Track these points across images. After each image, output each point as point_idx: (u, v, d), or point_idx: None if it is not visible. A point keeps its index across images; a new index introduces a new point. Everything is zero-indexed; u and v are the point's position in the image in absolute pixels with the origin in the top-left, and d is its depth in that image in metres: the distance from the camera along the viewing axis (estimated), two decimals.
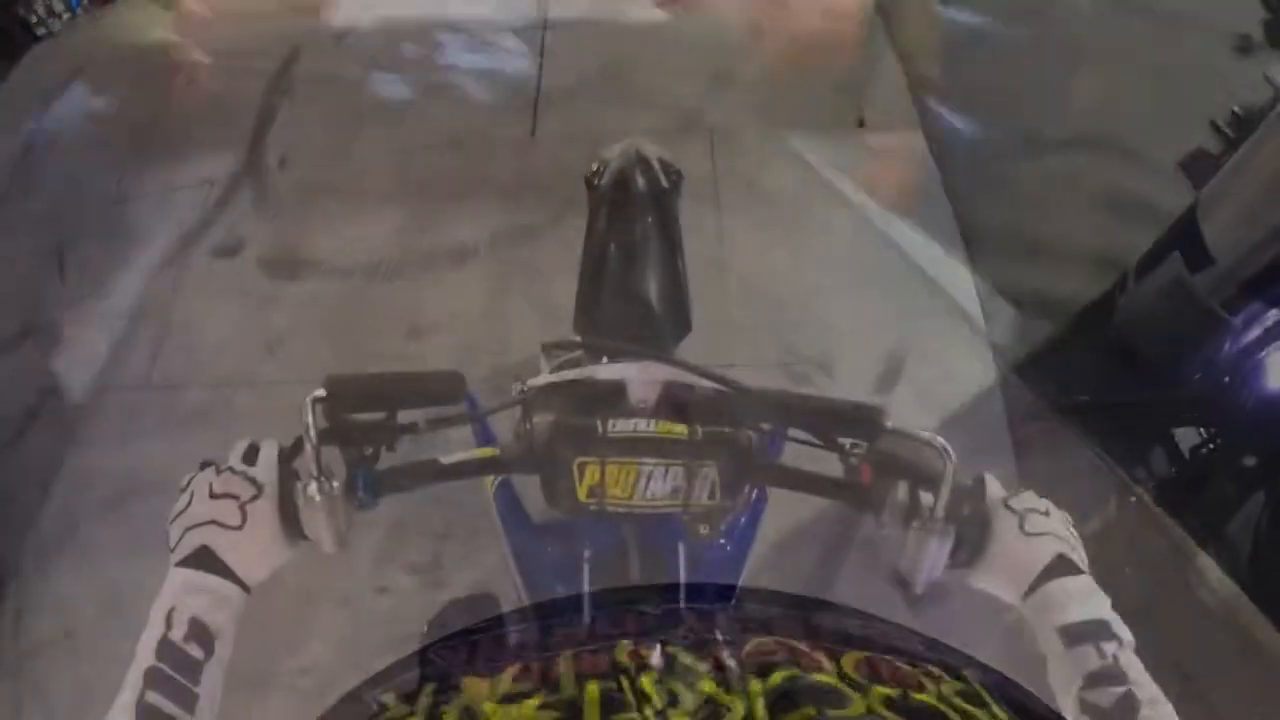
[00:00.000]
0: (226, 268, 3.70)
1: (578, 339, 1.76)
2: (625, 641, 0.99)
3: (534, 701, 0.89)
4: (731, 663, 0.96)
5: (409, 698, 0.90)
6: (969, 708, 0.97)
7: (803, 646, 1.01)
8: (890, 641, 1.14)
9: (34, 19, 4.81)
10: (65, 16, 5.01)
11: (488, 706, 0.88)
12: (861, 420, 1.07)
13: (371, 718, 0.86)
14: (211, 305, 3.57)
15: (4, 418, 3.19)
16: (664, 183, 1.71)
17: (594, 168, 1.77)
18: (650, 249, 1.69)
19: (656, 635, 1.03)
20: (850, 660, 1.02)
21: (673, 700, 0.88)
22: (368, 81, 4.60)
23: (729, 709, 0.85)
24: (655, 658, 0.96)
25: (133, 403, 3.24)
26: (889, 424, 1.05)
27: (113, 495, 2.90)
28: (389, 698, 0.92)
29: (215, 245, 3.79)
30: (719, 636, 1.02)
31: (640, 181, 1.69)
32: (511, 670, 0.97)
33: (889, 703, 0.93)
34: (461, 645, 1.06)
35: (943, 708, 0.98)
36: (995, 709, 1.00)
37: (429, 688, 0.93)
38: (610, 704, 0.88)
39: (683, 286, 1.74)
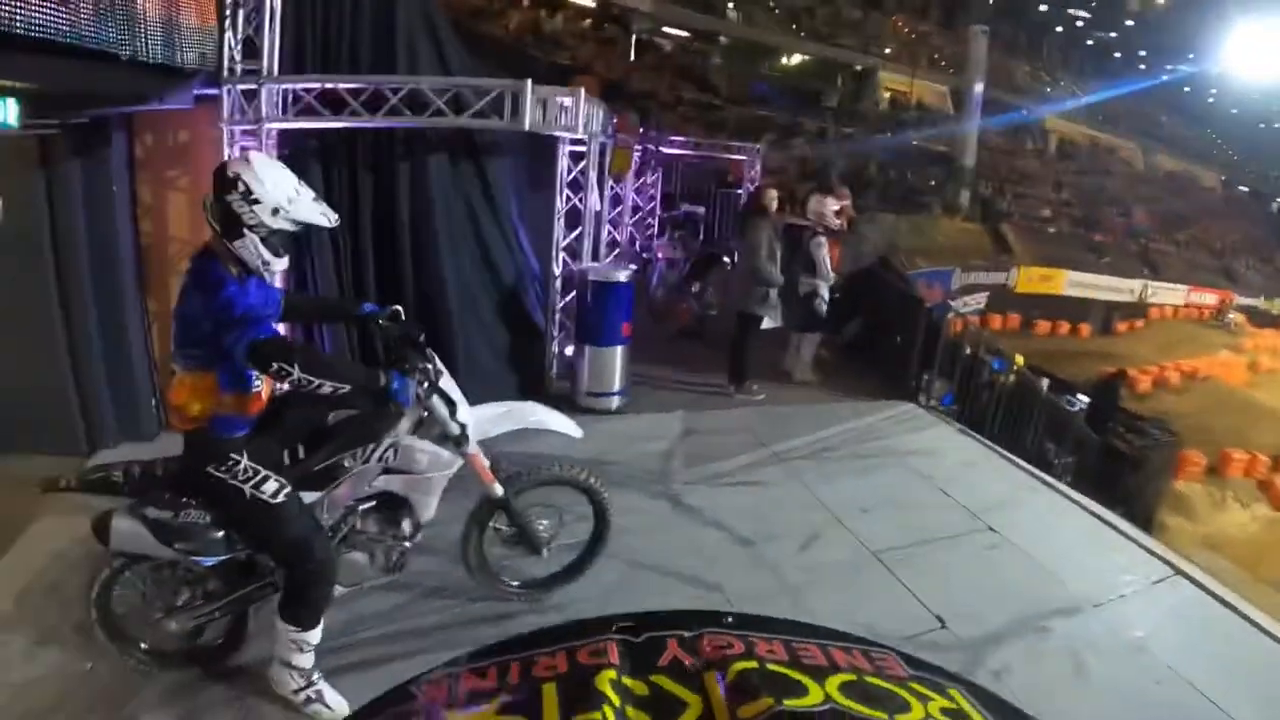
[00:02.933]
0: None
1: None
2: (584, 644, 1.11)
3: (493, 705, 1.02)
4: (688, 658, 1.09)
5: None
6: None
7: (758, 638, 1.15)
8: (875, 663, 1.22)
9: None
10: None
11: (449, 716, 1.00)
12: None
13: None
14: None
15: None
16: None
17: None
18: None
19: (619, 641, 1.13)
20: (806, 649, 1.17)
21: (629, 697, 1.02)
22: None
23: (686, 704, 0.99)
24: (613, 657, 1.09)
25: None
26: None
27: None
28: None
29: None
30: (676, 634, 1.15)
31: None
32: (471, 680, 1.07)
33: (846, 688, 1.08)
34: (445, 678, 1.15)
35: (900, 691, 1.11)
36: None
37: None
38: (569, 702, 1.01)
39: None
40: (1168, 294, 29.67)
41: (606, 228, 9.70)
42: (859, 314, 9.86)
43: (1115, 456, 11.43)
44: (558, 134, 6.76)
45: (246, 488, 3.11)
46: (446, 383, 3.52)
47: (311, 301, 3.89)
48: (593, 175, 7.26)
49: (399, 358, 3.38)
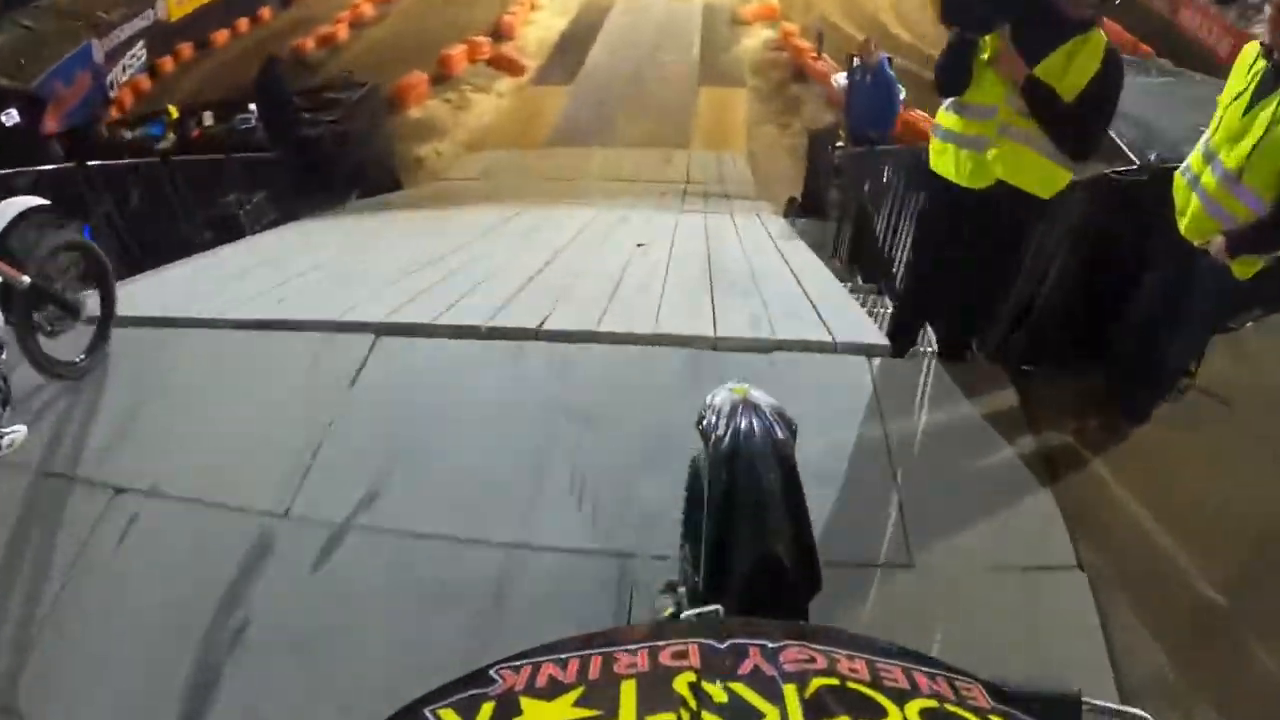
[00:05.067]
0: None
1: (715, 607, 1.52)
2: (667, 644, 1.12)
3: (571, 696, 1.01)
4: (769, 668, 1.08)
5: (467, 714, 0.97)
6: None
7: (841, 655, 1.14)
8: (959, 691, 1.16)
9: None
10: None
11: (525, 701, 0.99)
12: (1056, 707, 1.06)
13: None
14: None
15: None
16: (780, 434, 1.70)
17: (703, 416, 1.77)
18: (776, 504, 1.68)
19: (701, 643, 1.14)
20: (889, 670, 1.15)
21: (707, 702, 1.01)
22: None
23: (763, 715, 0.98)
24: (694, 660, 1.10)
25: None
26: (1085, 704, 1.05)
27: None
28: (447, 713, 0.98)
29: None
30: (759, 643, 1.14)
31: (758, 433, 1.69)
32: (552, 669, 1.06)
33: (927, 715, 1.05)
34: (525, 665, 1.12)
35: None
36: None
37: (488, 707, 1.00)
38: (647, 701, 1.01)
39: (810, 543, 1.71)
40: None
41: None
42: None
43: (312, 146, 10.40)
44: None
45: None
46: None
47: None
48: None
49: None
